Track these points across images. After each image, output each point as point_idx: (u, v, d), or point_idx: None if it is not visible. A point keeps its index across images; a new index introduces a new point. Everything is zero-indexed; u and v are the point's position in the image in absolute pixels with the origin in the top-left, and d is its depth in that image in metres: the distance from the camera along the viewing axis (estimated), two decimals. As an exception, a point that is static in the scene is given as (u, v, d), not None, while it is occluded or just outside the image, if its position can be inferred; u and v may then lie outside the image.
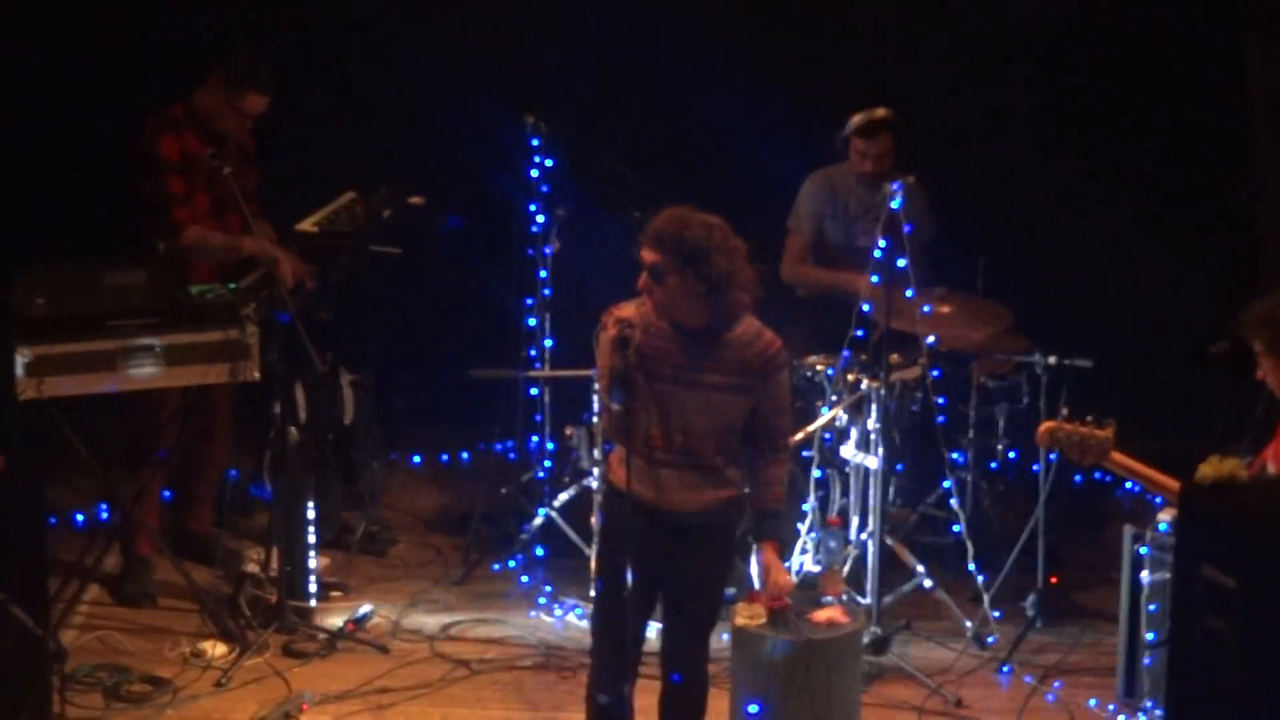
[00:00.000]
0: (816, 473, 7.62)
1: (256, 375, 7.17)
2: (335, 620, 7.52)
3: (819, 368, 7.91)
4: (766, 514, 6.00)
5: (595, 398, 7.50)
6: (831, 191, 8.47)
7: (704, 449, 5.81)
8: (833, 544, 6.89)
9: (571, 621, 7.61)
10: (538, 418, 8.34)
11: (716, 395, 5.79)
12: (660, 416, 5.77)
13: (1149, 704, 6.86)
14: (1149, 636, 6.84)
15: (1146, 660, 6.86)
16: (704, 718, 6.14)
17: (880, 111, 8.20)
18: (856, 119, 8.20)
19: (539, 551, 8.17)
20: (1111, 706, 7.02)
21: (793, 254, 8.50)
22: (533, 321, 8.22)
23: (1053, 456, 6.87)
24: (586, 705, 6.09)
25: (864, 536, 7.53)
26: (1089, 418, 6.37)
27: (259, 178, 7.92)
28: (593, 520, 7.57)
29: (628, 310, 5.75)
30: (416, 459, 9.45)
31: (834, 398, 7.73)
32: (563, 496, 8.12)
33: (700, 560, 5.94)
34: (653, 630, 6.28)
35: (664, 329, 5.79)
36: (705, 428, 5.80)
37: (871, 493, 7.46)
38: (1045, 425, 6.48)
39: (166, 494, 8.02)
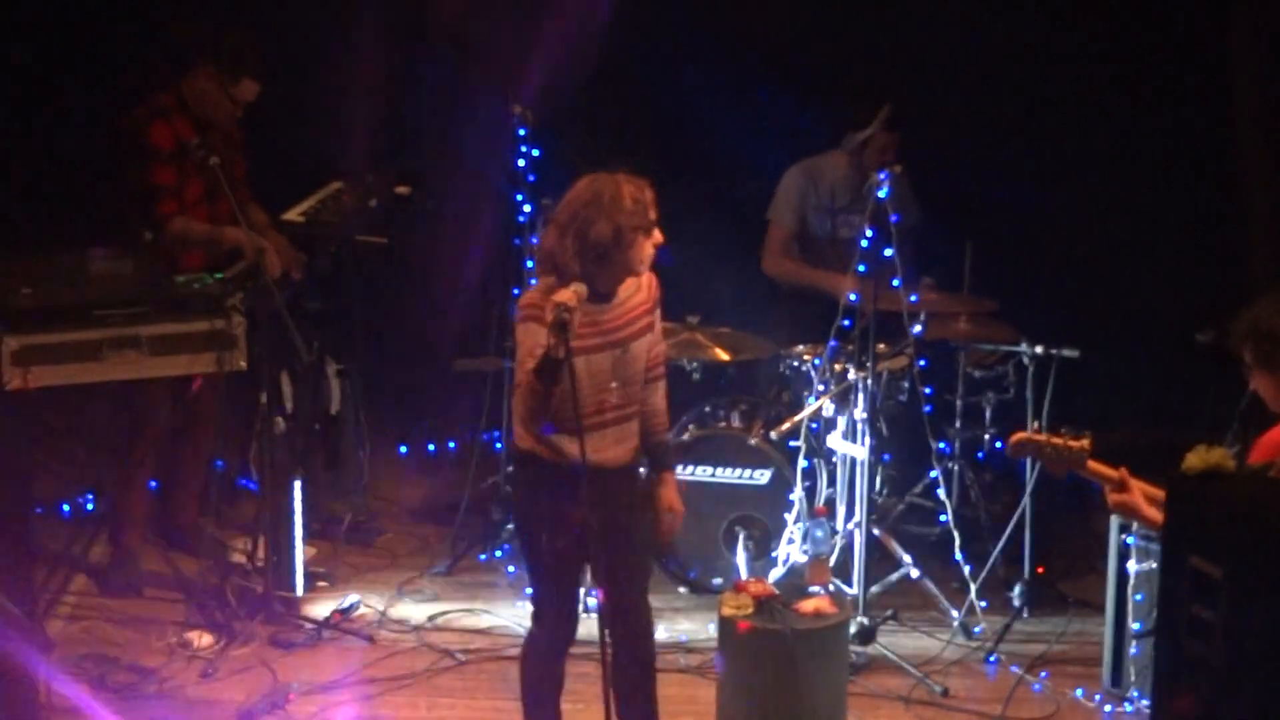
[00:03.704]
0: (804, 462, 7.63)
1: (243, 365, 7.15)
2: (322, 610, 7.52)
3: (806, 357, 7.92)
4: (663, 444, 6.14)
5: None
6: (814, 183, 8.46)
7: (633, 398, 5.96)
8: (819, 534, 6.90)
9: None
10: (524, 407, 8.33)
11: (635, 344, 5.93)
12: (599, 384, 5.84)
13: (1135, 694, 6.88)
14: (1135, 626, 6.86)
15: (1133, 650, 6.88)
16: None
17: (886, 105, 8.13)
18: (884, 113, 8.10)
19: (525, 541, 8.17)
20: (1098, 696, 7.03)
21: (775, 246, 8.49)
22: (519, 312, 8.22)
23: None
24: (533, 678, 6.13)
25: (851, 526, 7.53)
26: (1063, 429, 6.34)
27: (246, 164, 7.90)
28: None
29: (563, 294, 5.71)
30: (403, 449, 9.44)
31: (821, 387, 7.74)
32: (549, 486, 8.10)
33: (636, 507, 6.04)
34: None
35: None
36: (634, 376, 5.94)
37: (858, 483, 7.46)
38: (1016, 436, 6.45)
39: (152, 484, 8.01)
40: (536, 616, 6.10)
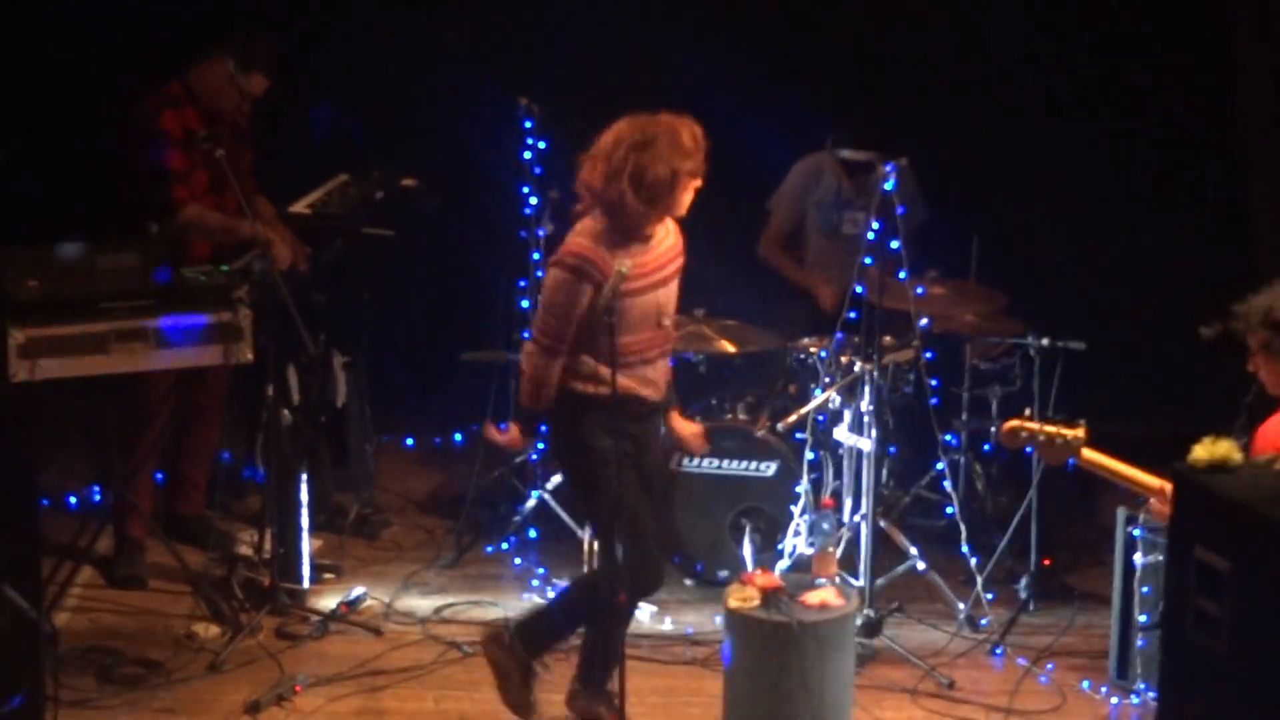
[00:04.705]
0: (810, 454, 7.63)
1: (249, 357, 7.16)
2: (328, 602, 7.52)
3: (812, 350, 7.92)
4: (669, 384, 6.42)
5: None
6: (818, 176, 8.48)
7: (669, 336, 6.27)
8: (826, 526, 6.89)
9: (564, 604, 7.61)
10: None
11: (672, 284, 6.20)
12: (650, 322, 6.10)
13: (1141, 686, 6.88)
14: (1141, 619, 6.85)
15: (1139, 642, 6.88)
16: None
17: (862, 156, 8.08)
18: (845, 154, 8.17)
19: (532, 534, 8.18)
20: (1104, 688, 7.03)
21: (768, 234, 8.64)
22: (525, 304, 8.22)
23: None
24: (622, 612, 6.25)
25: (857, 519, 7.53)
26: (1057, 417, 6.35)
27: (253, 156, 7.90)
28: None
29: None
30: (409, 441, 9.44)
31: (827, 380, 7.74)
32: (555, 479, 8.11)
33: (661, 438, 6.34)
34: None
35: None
36: (671, 316, 6.25)
37: (864, 475, 7.46)
38: (1008, 424, 6.47)
39: (158, 476, 8.02)
40: (620, 569, 6.10)
